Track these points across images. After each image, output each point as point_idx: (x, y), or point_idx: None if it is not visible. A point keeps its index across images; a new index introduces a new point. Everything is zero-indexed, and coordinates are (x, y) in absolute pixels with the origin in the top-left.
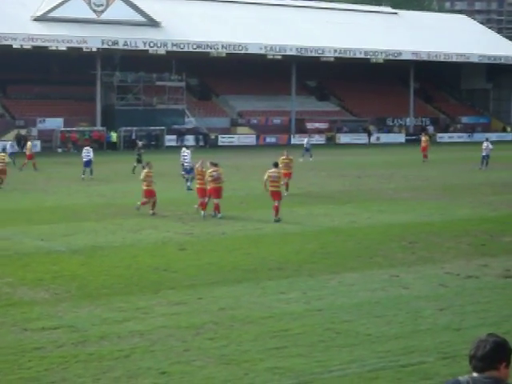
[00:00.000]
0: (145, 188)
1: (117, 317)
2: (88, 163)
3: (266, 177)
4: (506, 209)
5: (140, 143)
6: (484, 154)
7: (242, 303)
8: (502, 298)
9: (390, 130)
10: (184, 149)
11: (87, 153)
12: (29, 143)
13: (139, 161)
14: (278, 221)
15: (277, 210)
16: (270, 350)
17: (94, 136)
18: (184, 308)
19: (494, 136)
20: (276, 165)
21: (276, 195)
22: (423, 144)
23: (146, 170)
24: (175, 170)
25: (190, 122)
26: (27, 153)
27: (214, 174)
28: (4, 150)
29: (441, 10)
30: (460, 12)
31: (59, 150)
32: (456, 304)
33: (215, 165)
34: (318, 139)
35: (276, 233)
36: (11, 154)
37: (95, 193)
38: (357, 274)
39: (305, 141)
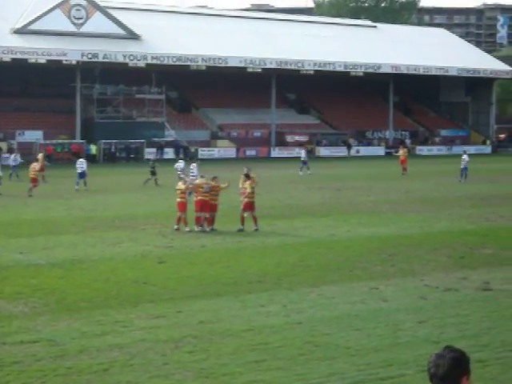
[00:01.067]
0: (212, 203)
1: (96, 330)
2: (82, 175)
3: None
4: (484, 222)
5: (153, 157)
6: (462, 166)
7: (221, 316)
8: (482, 310)
9: (369, 143)
10: (193, 164)
11: (81, 164)
12: (40, 155)
13: (153, 173)
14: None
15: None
16: (249, 363)
17: (72, 149)
18: (163, 321)
19: (472, 149)
20: (248, 176)
21: (250, 206)
22: (402, 157)
23: (213, 183)
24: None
25: (170, 134)
26: (41, 163)
27: (205, 186)
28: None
29: (420, 23)
30: (439, 25)
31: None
32: (435, 317)
33: (213, 178)
34: (298, 152)
35: (256, 246)
36: (14, 168)
37: (75, 206)
38: (336, 287)
39: (302, 153)
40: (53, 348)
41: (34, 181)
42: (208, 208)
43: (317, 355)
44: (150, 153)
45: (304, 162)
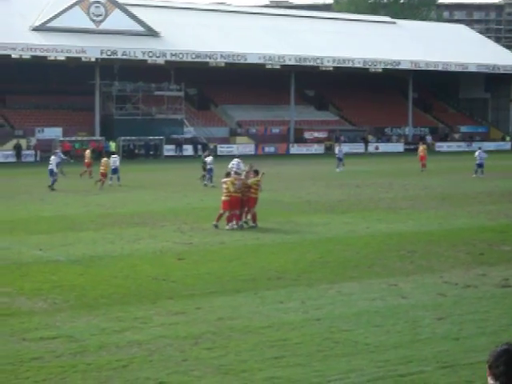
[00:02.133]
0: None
1: (115, 327)
2: (115, 170)
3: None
4: (504, 218)
5: (206, 152)
6: (478, 162)
7: (240, 313)
8: (501, 307)
9: (388, 140)
10: (236, 159)
11: (114, 161)
12: (87, 151)
13: (205, 169)
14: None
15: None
16: (268, 359)
17: (91, 146)
18: (182, 318)
19: (492, 145)
20: (257, 172)
21: (253, 201)
22: (421, 153)
23: (258, 178)
24: (174, 179)
25: (189, 131)
26: (86, 160)
27: (237, 183)
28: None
29: (439, 19)
30: (459, 21)
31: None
32: (455, 313)
33: (255, 172)
34: (317, 148)
35: (275, 242)
36: (58, 164)
37: (93, 202)
38: (355, 284)
39: (336, 150)
40: (72, 344)
41: (103, 175)
42: (238, 205)
43: (335, 352)
44: (168, 149)
45: (339, 159)
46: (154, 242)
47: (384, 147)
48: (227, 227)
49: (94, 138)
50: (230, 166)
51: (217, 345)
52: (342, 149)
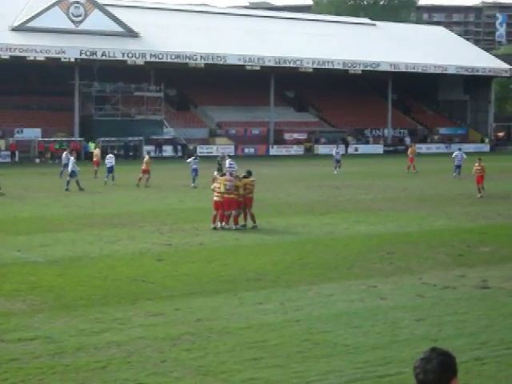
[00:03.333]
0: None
1: (94, 328)
2: (110, 169)
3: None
4: (482, 219)
5: (221, 153)
6: (456, 163)
7: (219, 314)
8: (479, 308)
9: (368, 141)
10: (228, 159)
11: (110, 159)
12: (97, 150)
13: (219, 169)
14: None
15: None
16: (247, 360)
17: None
18: (161, 319)
19: (471, 147)
20: (250, 173)
21: (249, 202)
22: (410, 155)
23: (250, 179)
24: (154, 180)
25: (169, 132)
26: (94, 159)
27: (229, 184)
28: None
29: (419, 21)
30: (438, 24)
31: (37, 161)
32: (433, 314)
33: (248, 173)
34: (297, 150)
35: (254, 243)
36: (65, 166)
37: (73, 203)
38: (335, 285)
39: (333, 152)
40: (50, 345)
41: (146, 172)
42: (235, 206)
43: (314, 353)
44: (148, 150)
45: (337, 161)
46: (133, 243)
47: (363, 149)
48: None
49: (74, 138)
50: (227, 165)
51: (196, 346)
52: (339, 151)
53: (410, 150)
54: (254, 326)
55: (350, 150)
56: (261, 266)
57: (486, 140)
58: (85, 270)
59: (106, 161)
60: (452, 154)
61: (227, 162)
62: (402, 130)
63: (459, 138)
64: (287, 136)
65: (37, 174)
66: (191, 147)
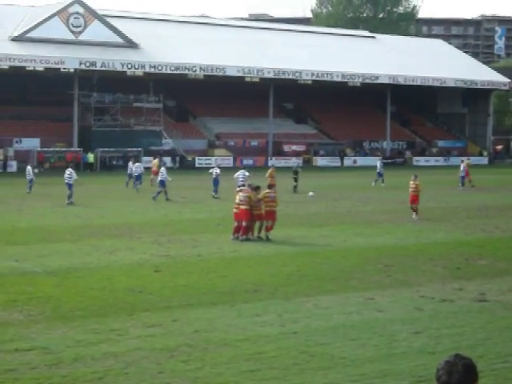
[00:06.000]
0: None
1: (91, 339)
2: (138, 177)
3: (261, 195)
4: (480, 233)
5: (297, 163)
6: (462, 174)
7: (217, 326)
8: (477, 321)
9: (366, 153)
10: (242, 171)
11: (139, 168)
12: (156, 160)
13: (296, 179)
14: (268, 239)
15: (269, 228)
16: (244, 372)
17: (67, 157)
18: (159, 330)
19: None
20: (270, 186)
21: (271, 215)
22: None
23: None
24: (152, 191)
25: (168, 143)
26: (153, 169)
27: (242, 195)
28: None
29: (418, 34)
30: (437, 36)
31: (36, 171)
32: (431, 327)
33: (255, 188)
34: (296, 162)
35: (252, 255)
36: (138, 177)
37: (71, 213)
38: (332, 297)
39: (377, 164)
40: (47, 356)
41: (156, 173)
42: (244, 217)
43: (312, 365)
44: (147, 161)
45: (379, 174)
46: (130, 253)
47: (362, 161)
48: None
49: (72, 149)
50: (235, 176)
51: (193, 357)
52: (382, 164)
53: (465, 164)
54: (251, 338)
55: (349, 162)
56: (258, 278)
57: (485, 153)
58: (82, 281)
59: (135, 169)
60: (452, 167)
61: (240, 173)
62: (400, 143)
63: (458, 150)
64: (286, 148)
65: (35, 184)
66: (189, 158)
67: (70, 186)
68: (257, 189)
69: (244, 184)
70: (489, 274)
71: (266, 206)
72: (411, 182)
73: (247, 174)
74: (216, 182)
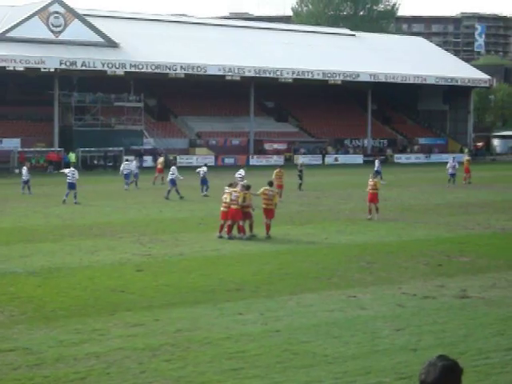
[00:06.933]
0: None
1: (73, 339)
2: (128, 176)
3: (260, 191)
4: (462, 229)
5: (301, 161)
6: (450, 172)
7: (199, 324)
8: (459, 318)
9: (347, 151)
10: (241, 170)
11: (127, 167)
12: (161, 158)
13: (301, 177)
14: (269, 237)
15: (268, 227)
16: (227, 371)
17: (48, 157)
18: (141, 330)
19: (450, 157)
20: (271, 184)
21: (269, 213)
22: (465, 165)
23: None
24: (133, 190)
25: (149, 142)
26: (158, 167)
27: (234, 194)
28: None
29: (398, 32)
30: (417, 34)
31: (16, 171)
32: (413, 324)
33: (247, 188)
34: (277, 160)
35: (234, 254)
36: (136, 175)
37: (53, 214)
38: (315, 295)
39: (376, 163)
40: (29, 357)
41: (161, 171)
42: (237, 216)
43: (294, 363)
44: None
45: (378, 172)
46: (112, 253)
47: (343, 159)
48: (220, 235)
49: (53, 148)
50: (236, 175)
51: (175, 356)
52: (380, 162)
53: (466, 161)
54: (233, 337)
55: (330, 159)
56: (241, 277)
57: (466, 150)
58: (64, 281)
59: (130, 167)
60: (436, 164)
61: (240, 172)
62: (381, 140)
63: (439, 148)
64: (267, 146)
65: (17, 184)
66: (171, 158)
67: (73, 185)
68: (248, 188)
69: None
70: (470, 270)
71: (263, 203)
72: (370, 180)
73: (243, 173)
74: (204, 180)
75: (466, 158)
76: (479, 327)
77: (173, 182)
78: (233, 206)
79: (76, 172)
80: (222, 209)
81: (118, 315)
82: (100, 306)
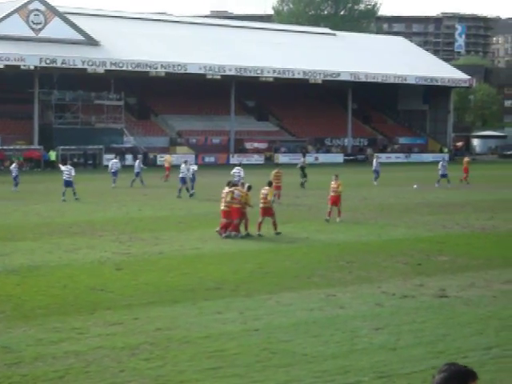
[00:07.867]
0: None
1: (52, 337)
2: (115, 173)
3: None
4: (441, 229)
5: (303, 159)
6: (441, 173)
7: (178, 323)
8: (438, 317)
9: (328, 150)
10: (238, 167)
11: (116, 164)
12: (168, 156)
13: (304, 175)
14: (279, 233)
15: (274, 224)
16: (206, 370)
17: (26, 155)
18: (120, 328)
19: (430, 157)
20: (270, 184)
21: (266, 212)
22: (464, 165)
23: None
24: (113, 189)
25: (129, 141)
26: (166, 165)
27: (236, 193)
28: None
29: (379, 31)
30: (398, 34)
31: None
32: (392, 323)
33: (248, 188)
34: (257, 159)
35: (214, 252)
36: (138, 174)
37: (32, 212)
38: (294, 294)
39: (373, 162)
40: (8, 355)
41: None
42: (236, 215)
43: (274, 362)
44: (108, 159)
45: (376, 172)
46: (92, 251)
47: (323, 158)
48: (223, 235)
49: (33, 146)
50: (232, 172)
51: (154, 355)
52: (378, 162)
53: (466, 162)
54: (213, 336)
55: (310, 159)
56: (220, 275)
57: (445, 150)
58: (43, 279)
59: (112, 165)
60: (416, 164)
61: (236, 170)
62: (361, 140)
63: (419, 147)
64: (248, 145)
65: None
66: (151, 156)
67: (70, 182)
68: (249, 189)
69: (240, 182)
70: (449, 269)
71: (260, 203)
72: (332, 183)
73: (242, 174)
74: (193, 178)
75: (465, 158)
76: (458, 326)
77: (183, 180)
78: (234, 205)
79: (73, 169)
80: (222, 208)
81: (98, 314)
82: (79, 304)
